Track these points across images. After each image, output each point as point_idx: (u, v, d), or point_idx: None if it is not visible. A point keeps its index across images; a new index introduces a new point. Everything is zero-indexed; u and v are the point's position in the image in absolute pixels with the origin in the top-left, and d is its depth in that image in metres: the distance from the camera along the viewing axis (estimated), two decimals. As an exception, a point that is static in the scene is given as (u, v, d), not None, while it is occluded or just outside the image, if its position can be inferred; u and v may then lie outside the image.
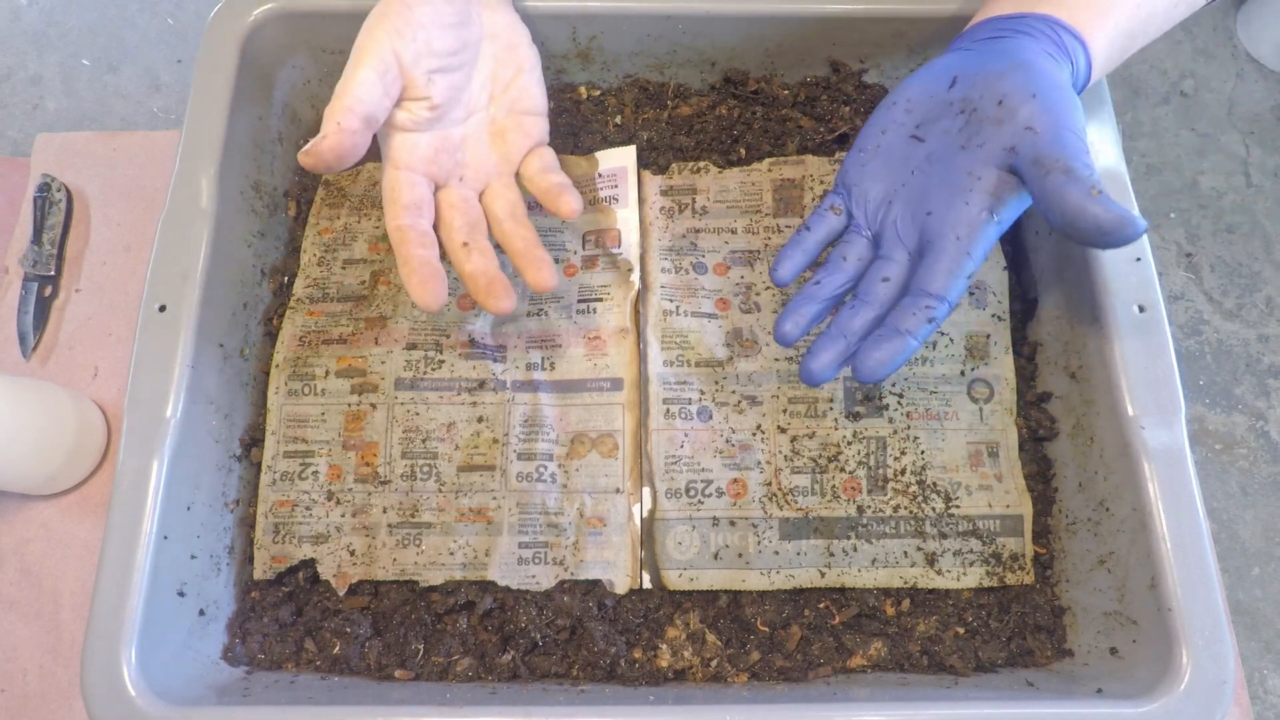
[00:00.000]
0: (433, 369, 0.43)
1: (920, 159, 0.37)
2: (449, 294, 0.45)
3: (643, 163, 0.48)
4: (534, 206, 0.45)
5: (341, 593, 0.40)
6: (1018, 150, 0.33)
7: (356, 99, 0.35)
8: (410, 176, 0.39)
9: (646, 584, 0.40)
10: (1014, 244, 0.47)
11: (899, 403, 0.43)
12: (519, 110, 0.42)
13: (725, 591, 0.41)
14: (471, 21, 0.40)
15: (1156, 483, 0.36)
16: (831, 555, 0.41)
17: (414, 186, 0.39)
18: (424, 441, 0.42)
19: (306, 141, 0.49)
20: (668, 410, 0.43)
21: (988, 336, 0.44)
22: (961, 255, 0.34)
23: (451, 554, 0.41)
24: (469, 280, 0.39)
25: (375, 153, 0.48)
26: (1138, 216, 0.30)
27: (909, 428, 0.43)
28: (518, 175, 0.43)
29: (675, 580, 0.40)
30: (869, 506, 0.41)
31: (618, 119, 0.49)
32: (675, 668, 0.39)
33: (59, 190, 0.53)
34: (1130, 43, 0.38)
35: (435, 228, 0.40)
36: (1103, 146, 0.42)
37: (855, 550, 0.41)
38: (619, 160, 0.48)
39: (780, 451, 0.42)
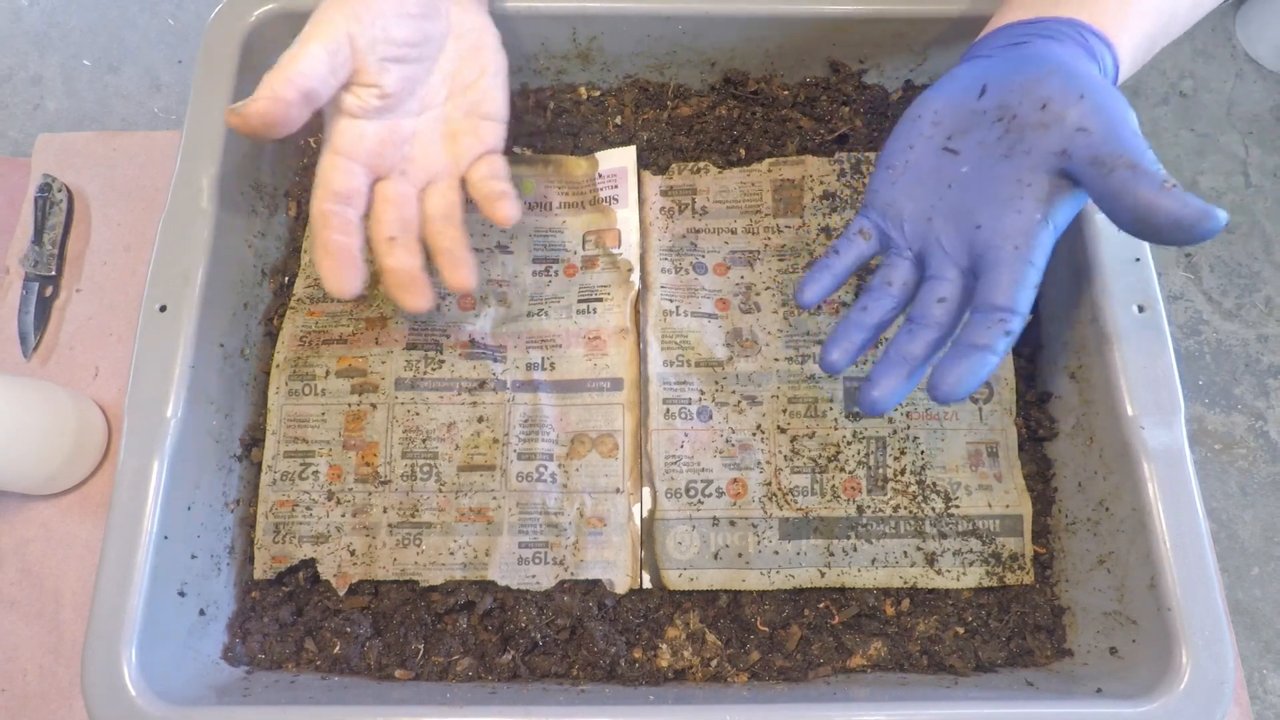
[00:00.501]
0: (433, 369, 0.43)
1: (957, 172, 0.35)
2: (437, 295, 0.45)
3: (643, 163, 0.48)
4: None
5: (342, 593, 0.41)
6: (1070, 153, 0.32)
7: (299, 71, 0.34)
8: (346, 164, 0.38)
9: (646, 584, 0.40)
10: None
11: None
12: (477, 113, 0.41)
13: (725, 591, 0.41)
14: (437, 15, 0.39)
15: (1156, 483, 0.36)
16: (831, 555, 0.41)
17: (348, 175, 0.38)
18: (424, 441, 0.42)
19: (308, 142, 0.49)
20: (668, 410, 0.43)
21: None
22: (1024, 264, 0.32)
23: (451, 554, 0.41)
24: (386, 275, 0.38)
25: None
26: (1217, 208, 0.29)
27: (908, 428, 0.43)
28: (465, 179, 0.41)
29: (675, 580, 0.40)
30: (869, 506, 0.42)
31: (618, 119, 0.50)
32: (675, 668, 0.39)
33: (60, 190, 0.53)
34: (1152, 45, 0.37)
35: (367, 218, 0.39)
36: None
37: (855, 550, 0.41)
38: (619, 160, 0.48)
39: (780, 451, 0.42)
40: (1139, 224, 0.30)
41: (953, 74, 0.37)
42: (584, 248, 0.47)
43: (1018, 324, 0.32)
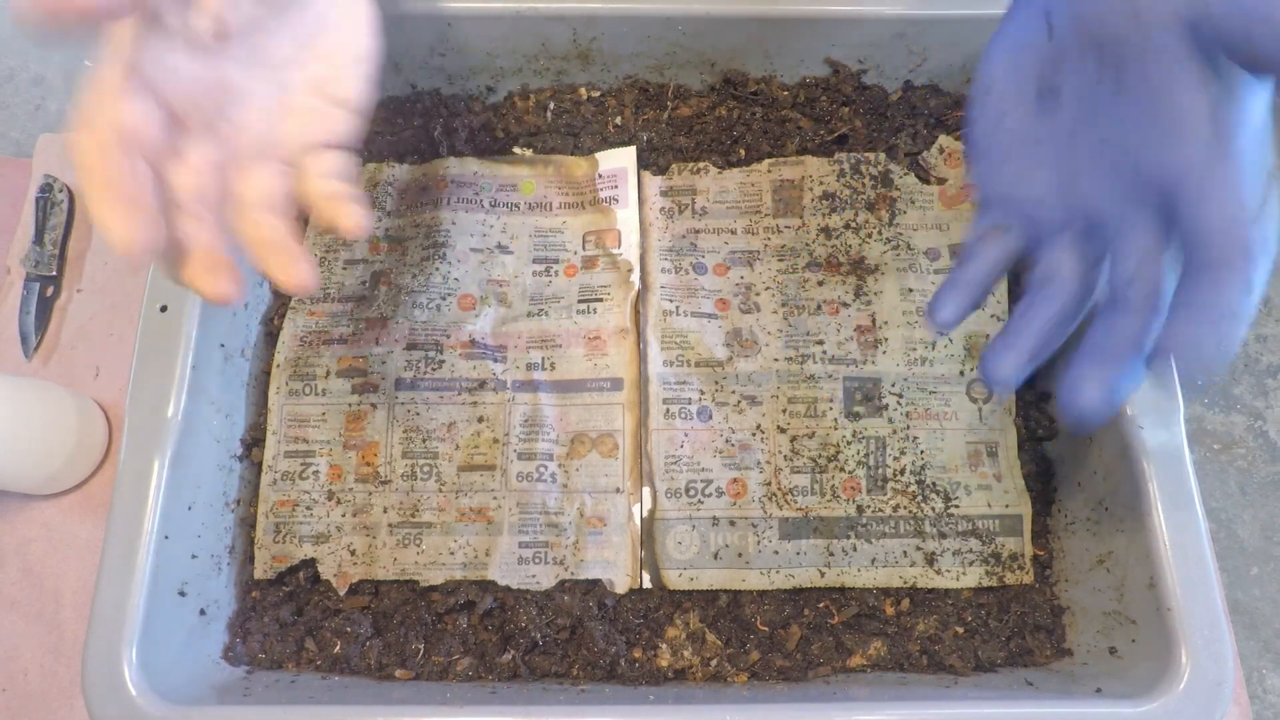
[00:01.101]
0: (433, 369, 0.44)
1: (1069, 122, 0.30)
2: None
3: (643, 163, 0.48)
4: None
5: (342, 592, 0.41)
6: (1196, 23, 0.25)
7: None
8: (144, 95, 0.28)
9: (646, 584, 0.40)
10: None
11: (898, 403, 0.43)
12: (326, 94, 0.33)
13: (725, 591, 0.41)
14: None
15: (1155, 482, 0.36)
16: (831, 555, 0.41)
17: (142, 111, 0.28)
18: (424, 441, 0.42)
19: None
20: (668, 410, 0.43)
21: (987, 336, 0.44)
22: (1227, 189, 0.25)
23: (452, 554, 0.41)
24: (177, 246, 0.29)
25: (378, 151, 0.48)
26: None
27: (908, 427, 0.43)
28: (298, 172, 0.33)
29: (675, 580, 0.40)
30: (868, 506, 0.42)
31: (618, 120, 0.50)
32: (675, 667, 0.39)
33: (61, 191, 0.53)
34: None
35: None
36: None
37: (855, 550, 0.41)
38: (619, 161, 0.48)
39: (780, 451, 0.42)
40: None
41: (1002, 30, 0.33)
42: (584, 248, 0.47)
43: (1258, 275, 0.24)
